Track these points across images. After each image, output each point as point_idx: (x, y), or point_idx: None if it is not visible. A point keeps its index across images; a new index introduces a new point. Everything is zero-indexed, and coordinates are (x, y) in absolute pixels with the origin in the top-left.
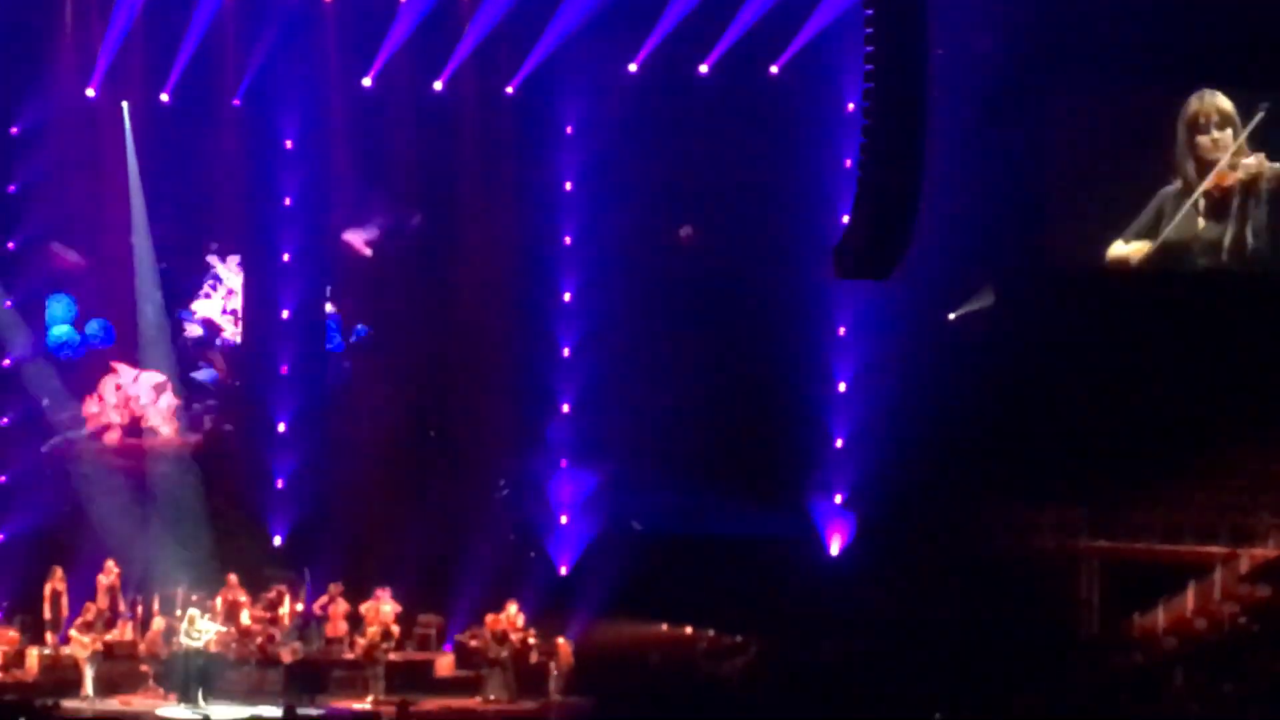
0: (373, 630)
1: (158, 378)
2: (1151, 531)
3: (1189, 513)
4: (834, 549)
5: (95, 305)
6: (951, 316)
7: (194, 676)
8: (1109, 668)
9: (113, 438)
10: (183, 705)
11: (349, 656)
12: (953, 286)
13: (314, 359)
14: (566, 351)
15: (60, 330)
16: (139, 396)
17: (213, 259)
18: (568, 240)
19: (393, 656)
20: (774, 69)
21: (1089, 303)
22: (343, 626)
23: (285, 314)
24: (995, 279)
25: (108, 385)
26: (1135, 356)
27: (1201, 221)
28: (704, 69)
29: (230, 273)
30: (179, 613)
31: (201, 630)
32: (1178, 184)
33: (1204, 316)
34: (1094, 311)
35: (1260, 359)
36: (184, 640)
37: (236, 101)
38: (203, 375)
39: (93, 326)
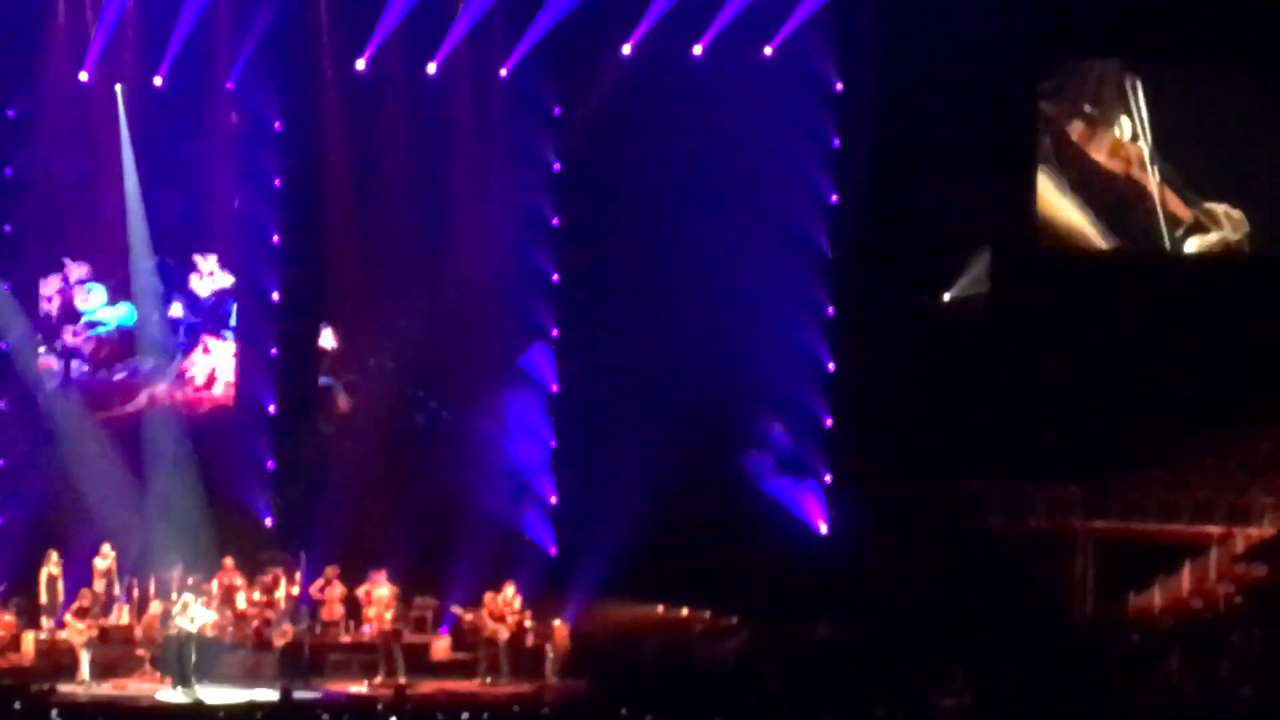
0: (387, 614)
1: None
2: (1147, 511)
3: (1185, 492)
4: (822, 529)
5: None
6: (947, 297)
7: (189, 660)
8: (1104, 648)
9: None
10: (179, 689)
11: (346, 640)
12: (946, 267)
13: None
14: (555, 333)
15: (101, 316)
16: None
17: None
18: (555, 222)
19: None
20: (767, 50)
21: (1083, 284)
22: (339, 610)
23: (275, 296)
24: (989, 260)
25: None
26: (1131, 336)
27: None
28: (698, 51)
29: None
30: (174, 596)
31: (194, 615)
32: None
33: (1198, 298)
34: (1088, 292)
35: (1256, 340)
36: (178, 624)
37: (230, 85)
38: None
39: (122, 310)
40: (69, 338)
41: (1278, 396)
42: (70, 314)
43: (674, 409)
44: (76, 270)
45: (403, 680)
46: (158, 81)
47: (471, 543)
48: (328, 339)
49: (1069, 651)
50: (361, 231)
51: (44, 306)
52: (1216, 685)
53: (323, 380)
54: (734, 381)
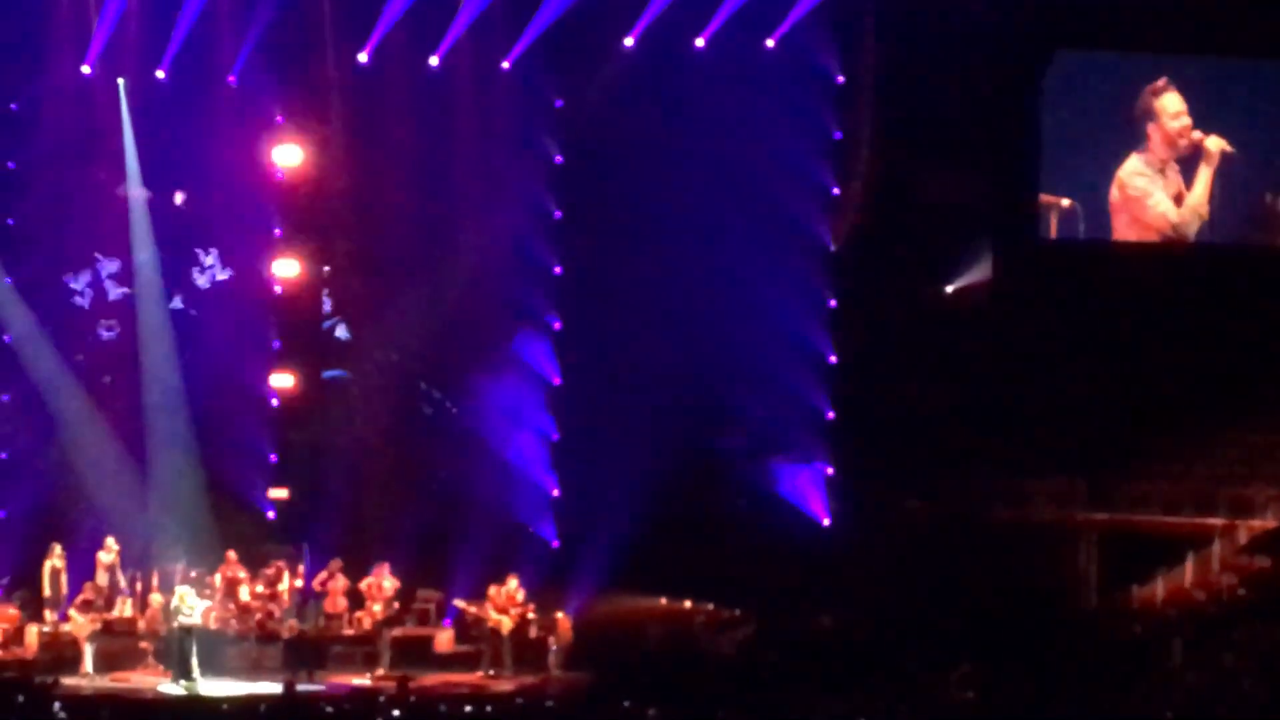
0: (378, 608)
1: None
2: (1150, 503)
3: (1187, 484)
4: (825, 520)
5: None
6: (949, 289)
7: (192, 653)
8: (1108, 639)
9: None
10: (181, 682)
11: (349, 633)
12: (948, 259)
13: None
14: (557, 325)
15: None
16: None
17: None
18: (557, 214)
19: (394, 632)
20: (769, 43)
21: (1088, 275)
22: (342, 602)
23: (278, 289)
24: (992, 252)
25: None
26: (1134, 328)
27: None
28: (700, 43)
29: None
30: (177, 589)
31: (192, 607)
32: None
33: (1203, 290)
34: (1091, 283)
35: (1259, 332)
36: (179, 618)
37: (232, 78)
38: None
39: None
40: (102, 332)
41: None
42: (101, 308)
43: (676, 401)
44: (109, 265)
45: (384, 672)
46: (160, 75)
47: (474, 535)
48: (343, 332)
49: (1072, 643)
50: (364, 224)
51: (76, 300)
52: (1219, 676)
53: (328, 373)
54: (736, 374)
